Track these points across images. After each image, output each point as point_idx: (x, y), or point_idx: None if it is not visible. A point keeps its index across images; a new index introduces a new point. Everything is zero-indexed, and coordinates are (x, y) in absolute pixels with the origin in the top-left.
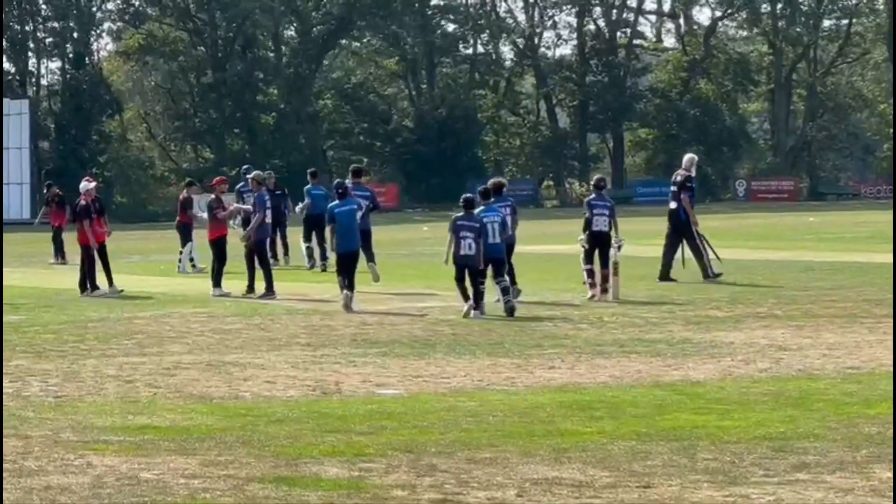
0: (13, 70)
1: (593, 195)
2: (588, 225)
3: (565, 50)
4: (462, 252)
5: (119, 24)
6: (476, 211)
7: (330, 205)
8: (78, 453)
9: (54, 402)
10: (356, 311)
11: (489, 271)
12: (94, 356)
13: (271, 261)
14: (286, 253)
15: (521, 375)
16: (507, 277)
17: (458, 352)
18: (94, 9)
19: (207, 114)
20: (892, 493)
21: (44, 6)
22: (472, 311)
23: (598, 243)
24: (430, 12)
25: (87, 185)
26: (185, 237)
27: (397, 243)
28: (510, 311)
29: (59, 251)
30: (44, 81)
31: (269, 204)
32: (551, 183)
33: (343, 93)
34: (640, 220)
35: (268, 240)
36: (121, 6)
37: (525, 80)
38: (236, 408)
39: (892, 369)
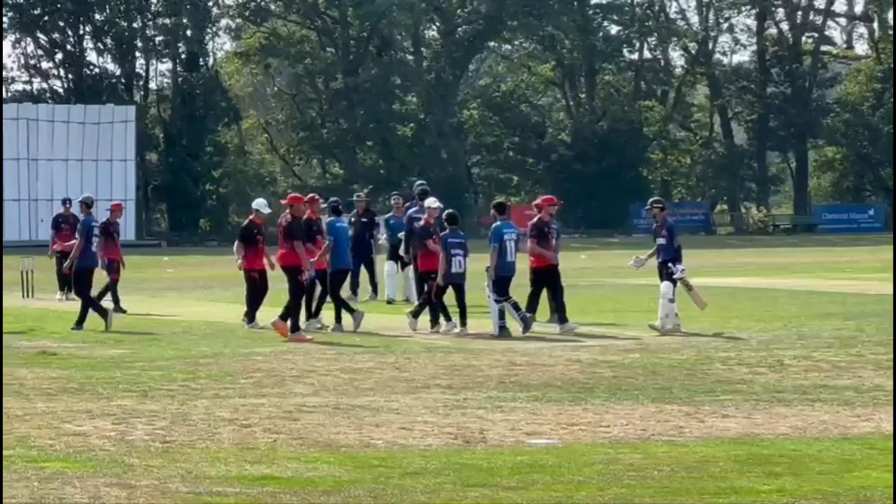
0: (118, 72)
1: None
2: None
3: (743, 56)
4: (453, 270)
5: (238, 21)
6: (494, 225)
7: (328, 219)
8: None
9: (161, 447)
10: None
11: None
12: (206, 396)
13: (347, 294)
14: (374, 290)
15: (691, 425)
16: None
17: (620, 397)
18: (211, 4)
19: (337, 124)
20: None
21: (154, 0)
22: (458, 329)
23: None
24: (590, 12)
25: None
26: None
27: None
28: (526, 324)
29: (68, 283)
30: (152, 85)
31: (96, 231)
32: (725, 207)
33: (491, 102)
34: (827, 250)
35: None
36: (240, 1)
37: (697, 91)
38: (367, 457)
39: None
